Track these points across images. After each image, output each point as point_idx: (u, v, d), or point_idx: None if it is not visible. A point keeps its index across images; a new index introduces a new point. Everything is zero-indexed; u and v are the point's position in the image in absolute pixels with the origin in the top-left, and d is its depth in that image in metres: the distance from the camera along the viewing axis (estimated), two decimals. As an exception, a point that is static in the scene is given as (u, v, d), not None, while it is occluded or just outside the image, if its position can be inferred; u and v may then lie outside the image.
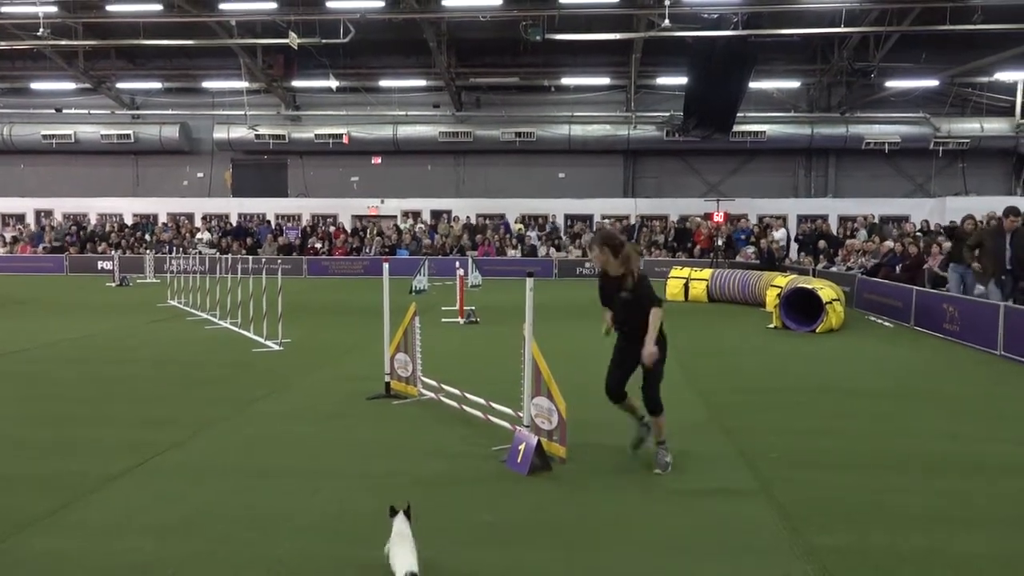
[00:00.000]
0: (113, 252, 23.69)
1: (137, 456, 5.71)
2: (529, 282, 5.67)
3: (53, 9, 21.89)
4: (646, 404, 5.69)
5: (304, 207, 29.32)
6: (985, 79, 25.60)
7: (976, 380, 9.10)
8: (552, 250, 25.46)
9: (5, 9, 21.72)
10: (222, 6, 21.98)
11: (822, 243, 21.06)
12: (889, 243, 16.71)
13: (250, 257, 21.79)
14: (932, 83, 25.45)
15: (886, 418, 7.16)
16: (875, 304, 14.90)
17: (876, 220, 23.58)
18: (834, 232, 23.22)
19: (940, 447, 6.22)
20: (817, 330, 12.35)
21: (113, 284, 21.09)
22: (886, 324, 13.70)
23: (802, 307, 12.86)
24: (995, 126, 26.68)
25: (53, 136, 29.00)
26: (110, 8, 22.32)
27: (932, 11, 20.18)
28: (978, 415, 7.37)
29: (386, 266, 7.87)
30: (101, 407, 7.38)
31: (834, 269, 18.39)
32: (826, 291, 12.77)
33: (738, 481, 5.35)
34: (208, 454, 5.88)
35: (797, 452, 6.00)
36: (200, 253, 22.90)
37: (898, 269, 15.14)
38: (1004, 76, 25.20)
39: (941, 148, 26.73)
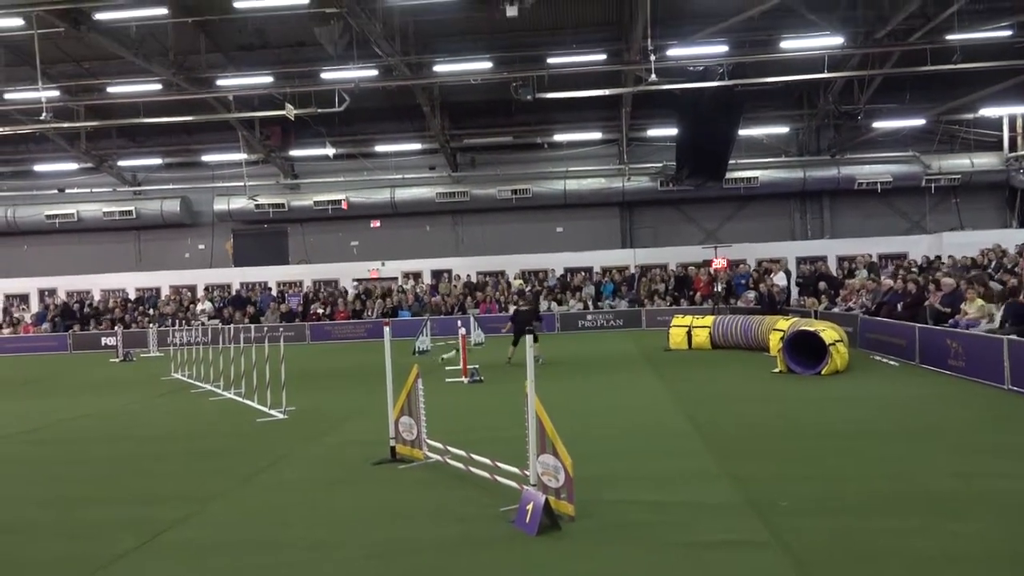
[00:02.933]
0: (116, 328, 23.75)
1: (142, 535, 5.66)
2: (529, 339, 5.70)
3: (55, 93, 22.44)
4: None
5: (305, 273, 29.50)
6: (970, 115, 26.00)
7: (983, 416, 9.02)
8: (554, 304, 25.50)
9: (9, 96, 22.28)
10: (219, 83, 22.56)
11: (822, 284, 21.09)
12: (889, 281, 16.73)
13: (252, 326, 21.82)
14: (919, 122, 25.85)
15: (896, 459, 7.08)
16: (879, 343, 14.85)
17: (874, 259, 23.71)
18: (833, 273, 23.27)
19: (952, 486, 6.15)
20: (822, 372, 12.29)
21: (117, 360, 21.10)
22: (891, 363, 13.63)
23: (806, 350, 12.82)
24: (985, 161, 26.99)
25: (56, 216, 29.40)
26: (111, 90, 22.93)
27: (913, 53, 20.65)
28: (987, 452, 7.29)
29: (387, 329, 7.91)
30: (106, 486, 7.33)
31: (836, 310, 18.38)
32: (828, 333, 12.75)
33: (749, 532, 5.27)
34: (213, 529, 5.82)
35: (808, 499, 5.92)
36: (202, 324, 22.96)
37: (900, 307, 15.12)
38: (989, 112, 25.61)
39: (933, 185, 26.99)
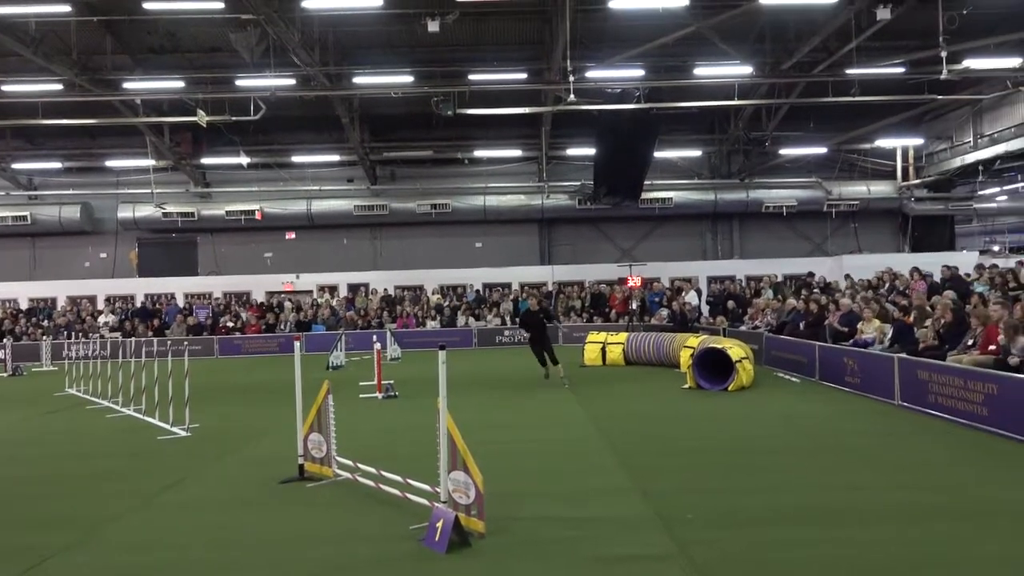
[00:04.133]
0: (5, 340, 22.31)
1: (22, 563, 5.29)
2: (441, 355, 5.66)
3: (-56, 89, 21.09)
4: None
5: (215, 285, 28.49)
6: (868, 145, 27.59)
7: (876, 430, 9.48)
8: (471, 319, 25.49)
9: None
10: (126, 85, 21.62)
11: (731, 303, 21.83)
12: (792, 301, 17.46)
13: (156, 339, 20.92)
14: (821, 150, 27.24)
15: (797, 473, 7.36)
16: (782, 360, 15.47)
17: (780, 279, 24.71)
18: (741, 292, 24.14)
19: (847, 498, 6.42)
20: (729, 388, 12.69)
21: (5, 374, 19.82)
22: (793, 379, 14.20)
23: (714, 366, 13.21)
24: (880, 188, 28.63)
25: (-59, 219, 27.53)
26: (5, 88, 21.61)
27: (816, 85, 21.78)
28: (879, 465, 7.66)
29: (297, 344, 7.72)
30: (-14, 509, 6.84)
31: (743, 328, 19.04)
32: (735, 350, 13.18)
33: (656, 545, 5.37)
34: (106, 555, 5.51)
35: (713, 512, 6.08)
36: (102, 337, 21.85)
37: (802, 326, 15.80)
38: (884, 143, 27.27)
39: (834, 210, 28.43)
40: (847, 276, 21.32)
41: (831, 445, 8.64)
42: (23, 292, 28.14)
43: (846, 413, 10.68)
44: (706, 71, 21.38)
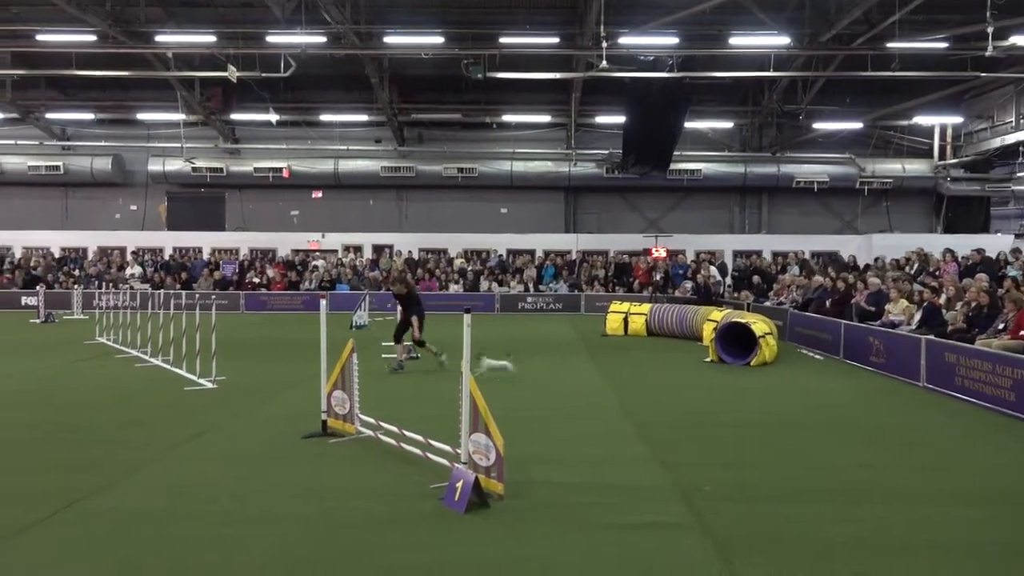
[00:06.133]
0: (38, 287, 22.74)
1: (56, 503, 5.46)
2: (466, 318, 5.68)
3: (-21, 38, 21.29)
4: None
5: (242, 241, 28.74)
6: (905, 122, 26.98)
7: (897, 411, 9.43)
8: (494, 285, 25.54)
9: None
10: (159, 38, 21.66)
11: (756, 278, 21.66)
12: (819, 278, 17.28)
13: (184, 292, 21.23)
14: (856, 125, 26.69)
15: (815, 450, 7.35)
16: (806, 337, 15.36)
17: (807, 256, 24.44)
18: (768, 267, 23.92)
19: (862, 476, 6.42)
20: (751, 363, 12.65)
21: (38, 321, 20.24)
22: (817, 357, 14.12)
23: (737, 341, 13.17)
24: (915, 167, 28.04)
25: (-24, 167, 27.92)
26: (40, 38, 21.76)
27: (854, 58, 21.27)
28: (896, 445, 7.63)
29: (323, 302, 7.79)
30: (18, 452, 7.04)
31: (767, 303, 18.91)
32: (759, 325, 13.11)
33: (673, 515, 5.41)
34: (134, 500, 5.66)
35: (730, 485, 6.10)
36: (131, 288, 22.20)
37: (828, 304, 15.66)
38: (922, 120, 26.61)
39: (866, 187, 27.94)
40: (877, 258, 21.01)
41: (852, 423, 8.62)
42: (55, 241, 28.61)
43: (869, 392, 10.62)
44: (741, 41, 20.96)
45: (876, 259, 20.71)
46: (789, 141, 27.96)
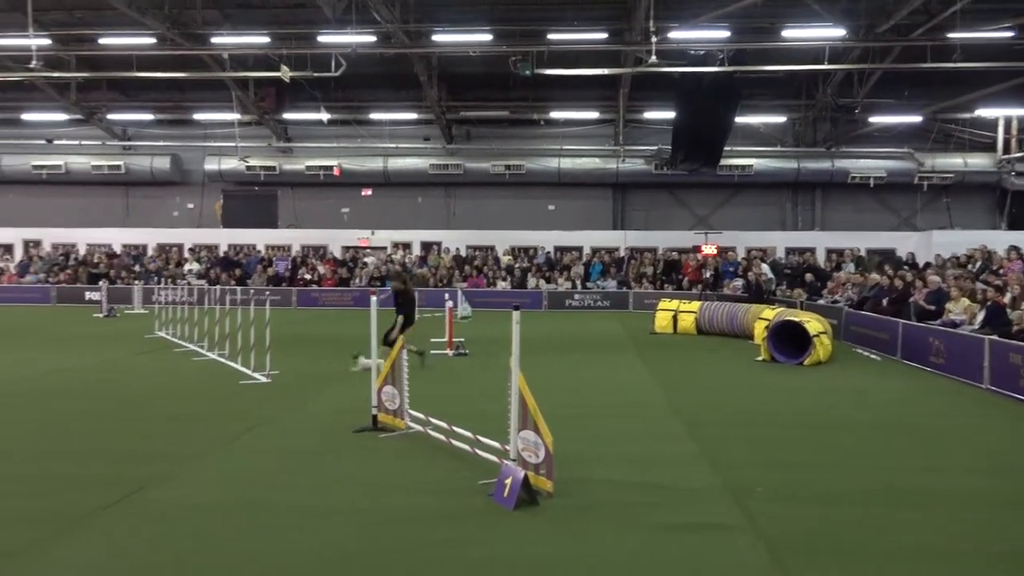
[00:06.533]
0: (101, 283, 23.53)
1: (119, 492, 5.65)
2: (516, 315, 5.68)
3: (47, 42, 22.02)
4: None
5: (294, 238, 29.29)
6: (967, 115, 26.03)
7: (958, 413, 9.14)
8: (542, 282, 25.52)
9: (-1, 41, 21.90)
10: (215, 40, 22.18)
11: (809, 276, 21.20)
12: (876, 276, 16.83)
13: (239, 288, 21.71)
14: (915, 119, 25.87)
15: (871, 452, 7.17)
16: (862, 337, 14.99)
17: (862, 253, 23.82)
18: (821, 265, 23.40)
19: (922, 480, 6.24)
20: (805, 363, 12.39)
21: (100, 315, 20.95)
22: (873, 357, 13.76)
23: (790, 340, 12.91)
24: (978, 161, 27.07)
25: (43, 167, 28.97)
26: (103, 41, 22.51)
27: (913, 49, 20.62)
28: (959, 448, 7.39)
29: (374, 299, 7.89)
30: (84, 441, 7.31)
31: (821, 302, 18.50)
32: (813, 324, 12.84)
33: (724, 516, 5.34)
34: (192, 490, 5.82)
35: (783, 486, 5.99)
36: (189, 284, 22.81)
37: (885, 302, 15.24)
38: (985, 112, 25.63)
39: (926, 183, 27.09)
40: (937, 255, 20.38)
41: (909, 425, 8.38)
42: (117, 237, 29.55)
43: (928, 393, 10.32)
44: (795, 33, 20.52)
45: (936, 257, 20.08)
46: (844, 135, 27.27)
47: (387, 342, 10.40)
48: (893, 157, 27.12)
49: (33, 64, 20.42)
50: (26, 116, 29.05)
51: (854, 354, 14.15)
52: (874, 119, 25.96)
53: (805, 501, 5.66)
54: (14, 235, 29.85)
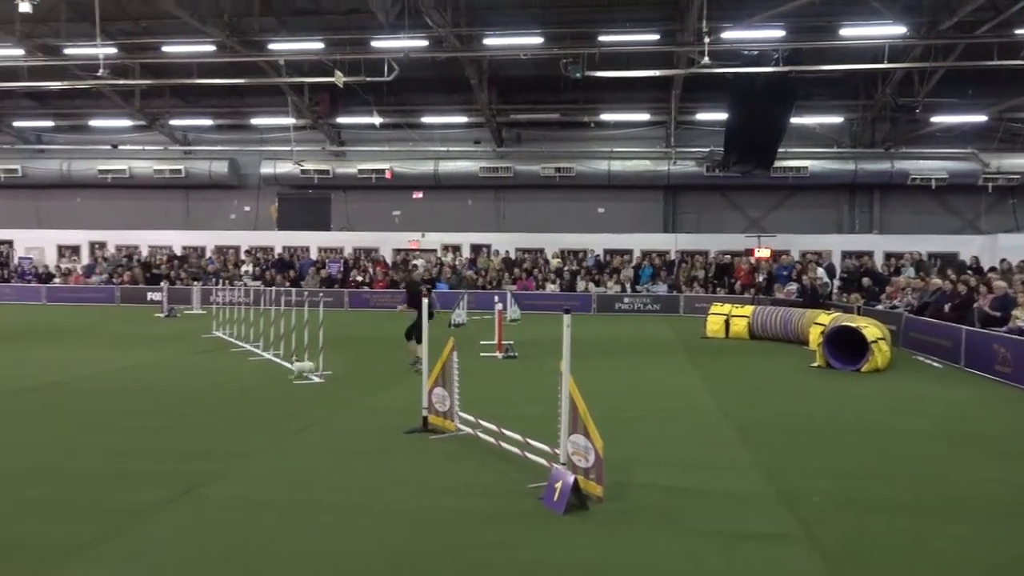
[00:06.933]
0: (162, 284, 24.29)
1: (177, 488, 5.82)
2: (567, 319, 5.67)
3: (113, 50, 22.84)
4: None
5: (346, 240, 29.77)
6: (1035, 114, 25.08)
7: (1028, 424, 8.80)
8: (591, 285, 25.42)
9: (69, 51, 22.75)
10: (272, 47, 22.72)
11: (867, 280, 20.65)
12: (937, 281, 16.31)
13: (293, 289, 22.15)
14: (980, 118, 24.99)
15: (932, 461, 6.96)
16: (923, 343, 14.53)
17: (924, 257, 23.11)
18: (879, 269, 22.77)
19: (986, 492, 6.02)
20: (862, 369, 12.08)
21: (161, 315, 21.61)
22: (935, 364, 13.34)
23: (846, 346, 12.60)
24: (1047, 162, 26.02)
25: (109, 171, 30.05)
26: (166, 49, 23.26)
27: (978, 46, 19.93)
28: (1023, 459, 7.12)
29: (425, 301, 7.96)
30: (144, 437, 7.54)
31: (880, 307, 18.01)
32: (871, 329, 12.51)
33: (778, 524, 5.24)
34: (247, 487, 5.96)
35: (840, 495, 5.85)
36: (245, 285, 23.37)
37: (947, 308, 14.76)
38: (1055, 111, 24.67)
39: (991, 184, 26.12)
40: (1003, 260, 19.65)
41: (974, 434, 8.10)
42: (177, 240, 30.46)
43: (992, 403, 9.96)
44: (853, 32, 20.04)
45: (1001, 261, 19.35)
46: (904, 136, 26.49)
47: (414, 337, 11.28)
48: (956, 158, 26.24)
49: (100, 72, 21.21)
50: (93, 123, 30.20)
51: (914, 361, 13.74)
52: (936, 119, 25.18)
53: (863, 510, 5.52)
54: (82, 237, 31.02)
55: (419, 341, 10.21)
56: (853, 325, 12.69)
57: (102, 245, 30.54)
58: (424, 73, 25.43)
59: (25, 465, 6.51)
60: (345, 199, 30.56)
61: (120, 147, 30.60)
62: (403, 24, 20.04)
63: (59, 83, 25.00)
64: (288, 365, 11.59)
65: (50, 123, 30.83)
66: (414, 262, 27.10)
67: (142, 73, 25.15)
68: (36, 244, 31.02)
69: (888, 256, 24.95)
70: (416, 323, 11.36)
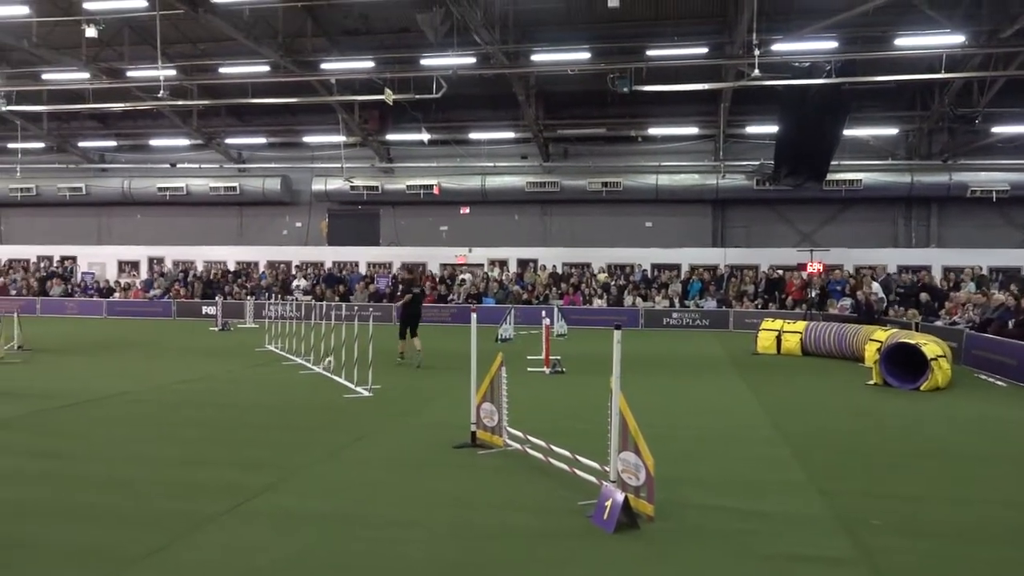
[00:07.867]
0: (217, 298, 24.90)
1: (233, 499, 5.92)
2: (616, 335, 5.63)
3: (172, 72, 23.65)
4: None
5: (395, 255, 30.16)
6: (1103, 123, 24.15)
7: (1103, 447, 8.40)
8: (638, 300, 25.22)
9: (131, 73, 23.63)
10: (324, 66, 23.25)
11: (924, 296, 20.06)
12: (1000, 296, 15.76)
13: (343, 304, 22.47)
14: (1044, 128, 24.21)
15: (998, 485, 6.69)
16: (986, 361, 14.03)
17: (984, 272, 22.37)
18: (937, 284, 22.11)
19: (1063, 520, 5.76)
20: (921, 388, 11.70)
21: (216, 329, 22.13)
22: (999, 384, 12.86)
23: (904, 363, 12.24)
24: (1116, 172, 25.01)
25: (167, 189, 31.05)
26: (222, 70, 23.99)
27: (1042, 54, 19.34)
28: (1106, 486, 6.79)
29: (474, 315, 7.99)
30: (200, 449, 7.70)
31: (939, 323, 17.46)
32: (931, 347, 12.12)
33: (836, 548, 5.08)
34: (298, 499, 6.03)
35: (901, 519, 5.66)
36: (296, 300, 23.80)
37: (1011, 324, 14.23)
38: (1125, 120, 23.74)
39: (1056, 196, 25.23)
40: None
41: (1043, 459, 7.77)
42: (231, 255, 31.25)
43: (1062, 425, 9.53)
44: (909, 41, 19.58)
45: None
46: (963, 147, 25.77)
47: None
48: (1019, 169, 25.42)
49: (161, 94, 21.94)
50: (153, 142, 31.28)
51: (977, 380, 13.27)
52: (997, 129, 24.46)
53: (926, 536, 5.33)
54: (141, 252, 32.06)
55: (400, 336, 14.32)
56: (912, 342, 12.32)
57: (160, 260, 31.49)
58: (472, 90, 25.69)
59: (101, 474, 6.69)
60: (394, 214, 30.97)
61: (178, 165, 31.61)
62: (452, 42, 20.32)
63: (122, 104, 25.95)
64: (338, 379, 11.73)
65: (113, 143, 32.06)
66: (461, 277, 27.27)
67: (199, 94, 25.96)
68: (98, 259, 32.18)
69: (947, 271, 24.23)
70: (402, 321, 14.25)
